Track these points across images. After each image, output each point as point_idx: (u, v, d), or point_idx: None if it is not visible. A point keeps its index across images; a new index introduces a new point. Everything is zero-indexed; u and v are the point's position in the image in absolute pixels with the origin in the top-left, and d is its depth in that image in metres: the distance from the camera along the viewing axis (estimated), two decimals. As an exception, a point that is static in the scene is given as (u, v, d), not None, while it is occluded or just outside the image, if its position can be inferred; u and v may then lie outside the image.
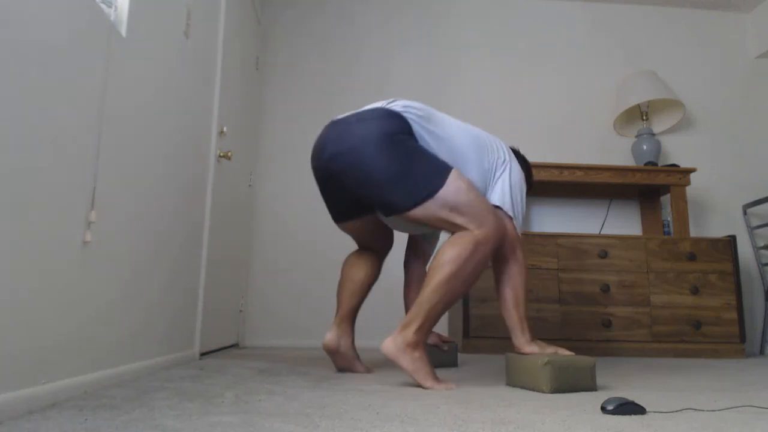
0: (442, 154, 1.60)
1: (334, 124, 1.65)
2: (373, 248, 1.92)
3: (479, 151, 1.68)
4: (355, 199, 1.69)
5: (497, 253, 1.65)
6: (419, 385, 1.46)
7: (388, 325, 3.15)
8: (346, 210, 1.77)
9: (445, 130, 1.65)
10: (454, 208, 1.50)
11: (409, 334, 1.46)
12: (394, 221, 1.73)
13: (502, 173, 1.70)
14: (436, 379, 1.46)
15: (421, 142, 1.58)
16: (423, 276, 2.09)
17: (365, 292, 1.89)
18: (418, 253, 2.08)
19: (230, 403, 1.14)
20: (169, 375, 1.56)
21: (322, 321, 3.19)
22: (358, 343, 3.14)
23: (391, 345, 1.46)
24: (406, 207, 1.51)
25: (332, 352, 1.80)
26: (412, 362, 1.45)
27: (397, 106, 1.60)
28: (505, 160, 1.72)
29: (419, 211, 1.51)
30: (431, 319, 1.48)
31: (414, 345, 1.46)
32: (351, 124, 1.59)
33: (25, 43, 1.00)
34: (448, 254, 1.48)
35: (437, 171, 1.52)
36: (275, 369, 1.82)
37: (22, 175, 0.99)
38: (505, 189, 1.68)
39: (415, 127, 1.58)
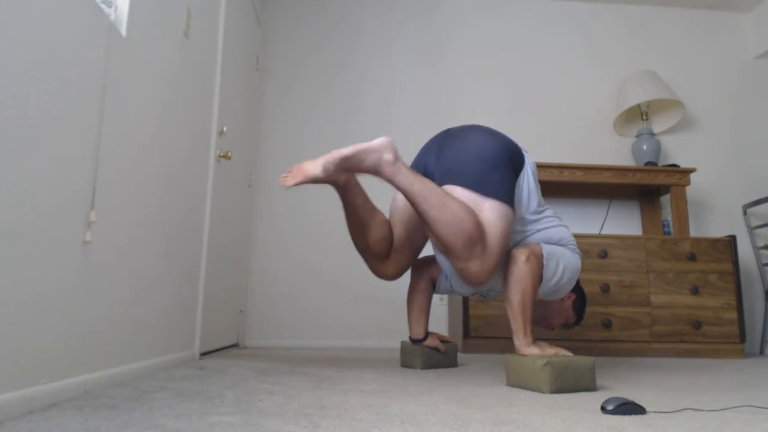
0: (532, 202, 1.76)
1: (470, 125, 1.84)
2: (396, 244, 1.89)
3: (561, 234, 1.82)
4: (431, 173, 1.78)
5: (511, 253, 1.68)
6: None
7: (385, 327, 3.15)
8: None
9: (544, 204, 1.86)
10: (492, 225, 1.60)
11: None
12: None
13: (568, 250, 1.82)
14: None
15: (524, 178, 1.74)
16: (428, 280, 2.09)
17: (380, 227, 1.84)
18: (428, 259, 2.09)
19: (230, 403, 1.14)
20: (169, 375, 1.56)
21: (321, 321, 3.20)
22: (354, 343, 3.15)
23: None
24: (473, 185, 1.62)
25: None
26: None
27: (525, 153, 1.82)
28: (576, 248, 1.84)
29: (470, 197, 1.61)
30: None
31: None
32: (485, 128, 1.79)
33: (25, 43, 1.00)
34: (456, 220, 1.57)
35: (507, 195, 1.64)
36: (275, 369, 1.82)
37: (22, 174, 0.99)
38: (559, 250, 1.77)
39: (527, 165, 1.77)
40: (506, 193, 1.65)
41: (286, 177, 1.59)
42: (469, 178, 1.64)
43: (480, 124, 1.86)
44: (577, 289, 2.02)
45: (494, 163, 1.66)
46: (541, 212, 1.80)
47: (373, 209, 1.80)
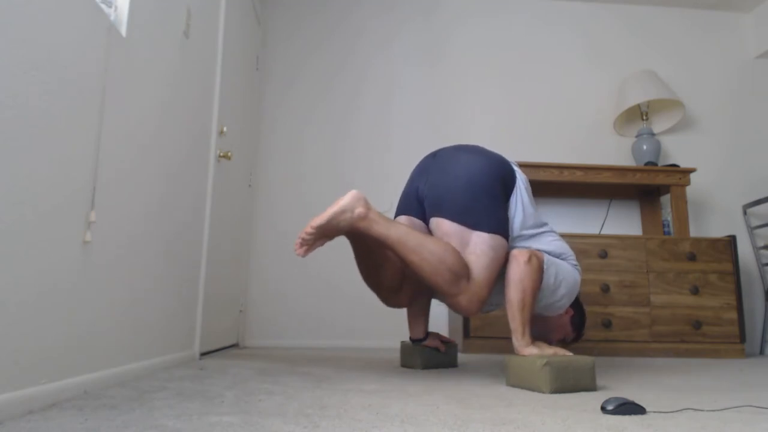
0: (528, 218, 1.76)
1: (459, 146, 1.85)
2: (407, 272, 1.87)
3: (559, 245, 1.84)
4: (422, 198, 1.79)
5: (512, 254, 1.68)
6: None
7: (385, 327, 3.15)
8: (408, 205, 1.85)
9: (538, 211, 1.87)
10: (480, 257, 1.62)
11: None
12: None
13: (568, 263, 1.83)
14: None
15: (517, 196, 1.75)
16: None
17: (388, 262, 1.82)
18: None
19: (230, 403, 1.14)
20: (169, 375, 1.56)
21: (321, 321, 3.20)
22: (354, 343, 3.15)
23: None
24: (459, 218, 1.64)
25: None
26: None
27: (516, 168, 1.82)
28: (576, 264, 1.86)
29: (457, 230, 1.64)
30: None
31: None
32: (474, 148, 1.80)
33: (25, 43, 1.00)
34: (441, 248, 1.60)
35: (497, 224, 1.66)
36: (275, 369, 1.82)
37: (22, 174, 0.99)
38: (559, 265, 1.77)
39: (519, 182, 1.77)
40: (497, 221, 1.66)
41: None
42: (455, 210, 1.65)
43: (470, 144, 1.87)
44: (577, 306, 2.02)
45: (483, 190, 1.67)
46: (540, 226, 1.80)
47: (381, 265, 1.79)
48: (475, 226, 1.64)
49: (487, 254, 1.63)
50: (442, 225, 1.67)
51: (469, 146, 1.82)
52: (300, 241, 1.56)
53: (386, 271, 1.79)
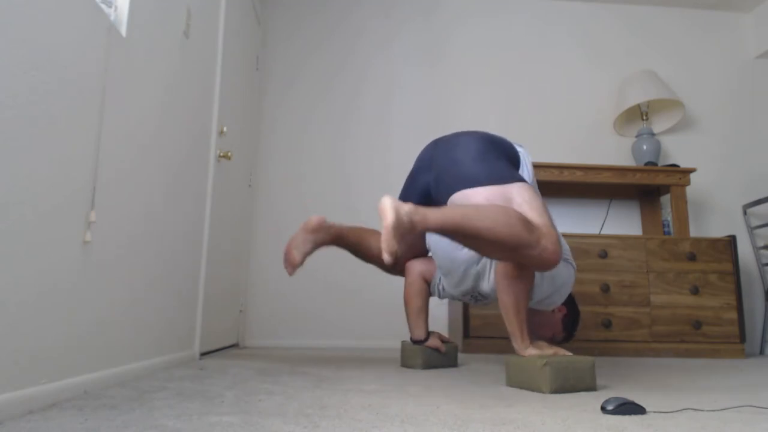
0: None
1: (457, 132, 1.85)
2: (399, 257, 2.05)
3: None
4: (428, 190, 1.81)
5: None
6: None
7: (385, 327, 3.15)
8: (412, 198, 1.85)
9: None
10: (531, 204, 1.51)
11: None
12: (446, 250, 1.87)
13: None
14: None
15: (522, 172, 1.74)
16: (422, 281, 2.08)
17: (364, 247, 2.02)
18: (415, 251, 2.08)
19: (230, 403, 1.14)
20: (169, 375, 1.56)
21: (322, 321, 3.19)
22: (354, 343, 3.15)
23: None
24: (486, 181, 1.57)
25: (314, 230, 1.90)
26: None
27: (518, 147, 1.81)
28: (569, 263, 1.85)
29: (494, 191, 1.54)
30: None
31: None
32: (472, 131, 1.79)
33: (25, 43, 1.00)
34: (514, 214, 1.45)
35: (519, 176, 1.62)
36: (275, 369, 1.82)
37: (22, 174, 0.99)
38: None
39: (522, 164, 1.75)
40: (520, 176, 1.62)
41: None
42: (482, 176, 1.58)
43: (470, 129, 1.90)
44: (570, 306, 2.00)
45: (494, 156, 1.65)
46: None
47: (368, 246, 1.97)
48: (509, 180, 1.56)
49: (536, 199, 1.54)
50: (476, 194, 1.56)
51: (466, 131, 1.80)
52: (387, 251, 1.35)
53: (376, 259, 1.99)
